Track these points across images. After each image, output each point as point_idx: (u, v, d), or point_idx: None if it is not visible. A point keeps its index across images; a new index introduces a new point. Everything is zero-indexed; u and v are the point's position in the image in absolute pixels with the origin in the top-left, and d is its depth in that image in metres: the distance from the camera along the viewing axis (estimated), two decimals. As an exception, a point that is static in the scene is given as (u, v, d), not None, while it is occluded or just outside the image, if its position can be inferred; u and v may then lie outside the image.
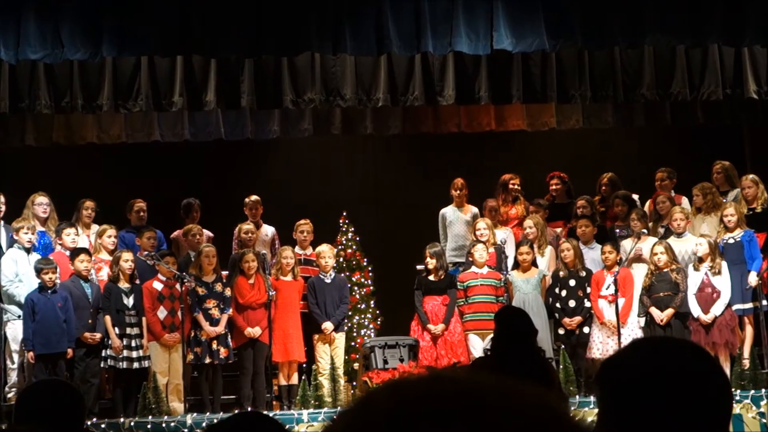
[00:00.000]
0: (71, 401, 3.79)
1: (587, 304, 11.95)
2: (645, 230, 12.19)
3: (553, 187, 13.79)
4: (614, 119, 14.20)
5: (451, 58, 12.01)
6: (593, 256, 12.31)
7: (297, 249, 12.52)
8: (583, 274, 12.04)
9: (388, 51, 11.60)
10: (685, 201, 12.99)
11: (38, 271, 11.12)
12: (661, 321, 11.64)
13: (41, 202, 12.23)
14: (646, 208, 13.09)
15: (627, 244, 12.26)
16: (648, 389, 1.94)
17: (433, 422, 1.13)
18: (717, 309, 11.63)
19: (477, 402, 1.15)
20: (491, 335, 9.71)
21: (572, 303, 11.97)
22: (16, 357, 11.40)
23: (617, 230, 12.82)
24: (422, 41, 11.40)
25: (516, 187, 13.42)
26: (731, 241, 11.99)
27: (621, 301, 11.73)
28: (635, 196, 13.22)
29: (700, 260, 11.78)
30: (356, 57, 11.95)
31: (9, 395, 11.07)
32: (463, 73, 12.12)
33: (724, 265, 11.77)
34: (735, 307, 11.74)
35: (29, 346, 11.03)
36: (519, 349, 6.18)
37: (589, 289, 11.96)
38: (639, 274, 12.02)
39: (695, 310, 11.67)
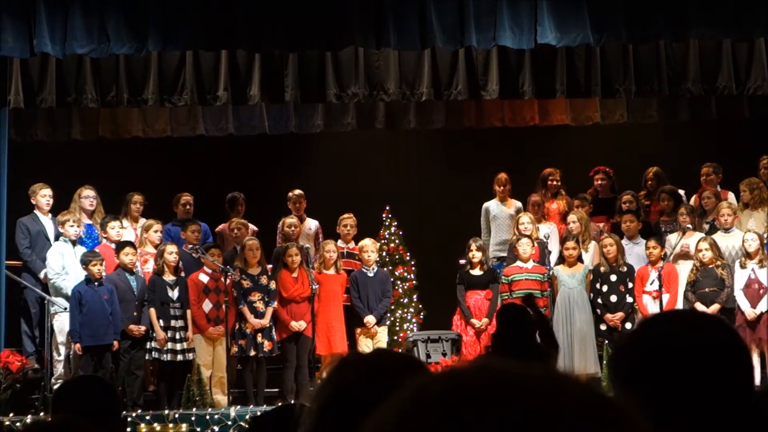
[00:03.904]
0: (107, 398, 3.83)
1: (629, 299, 11.87)
2: (690, 225, 12.09)
3: (598, 182, 13.64)
4: (659, 114, 14.12)
5: (495, 52, 11.98)
6: (638, 251, 12.23)
7: (340, 242, 12.54)
8: (625, 269, 11.96)
9: (432, 45, 11.58)
10: (731, 196, 12.86)
11: (86, 263, 11.19)
12: (706, 317, 11.53)
13: (88, 195, 12.33)
14: (692, 203, 12.97)
15: (672, 239, 12.17)
16: (664, 366, 1.90)
17: (487, 409, 1.13)
18: (763, 305, 11.52)
19: (532, 390, 1.16)
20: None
21: (613, 298, 11.89)
22: (62, 349, 11.50)
23: (662, 225, 12.72)
24: (466, 35, 11.37)
25: (555, 182, 13.34)
26: (779, 236, 11.89)
27: (666, 297, 11.65)
28: (681, 191, 13.10)
29: (749, 256, 11.67)
30: (400, 51, 11.94)
31: (55, 386, 11.16)
32: (507, 67, 12.09)
33: (771, 260, 11.67)
34: (782, 303, 11.63)
35: (76, 338, 11.11)
36: (519, 343, 6.25)
37: (630, 285, 11.89)
38: (684, 269, 11.91)
39: (743, 305, 11.56)
